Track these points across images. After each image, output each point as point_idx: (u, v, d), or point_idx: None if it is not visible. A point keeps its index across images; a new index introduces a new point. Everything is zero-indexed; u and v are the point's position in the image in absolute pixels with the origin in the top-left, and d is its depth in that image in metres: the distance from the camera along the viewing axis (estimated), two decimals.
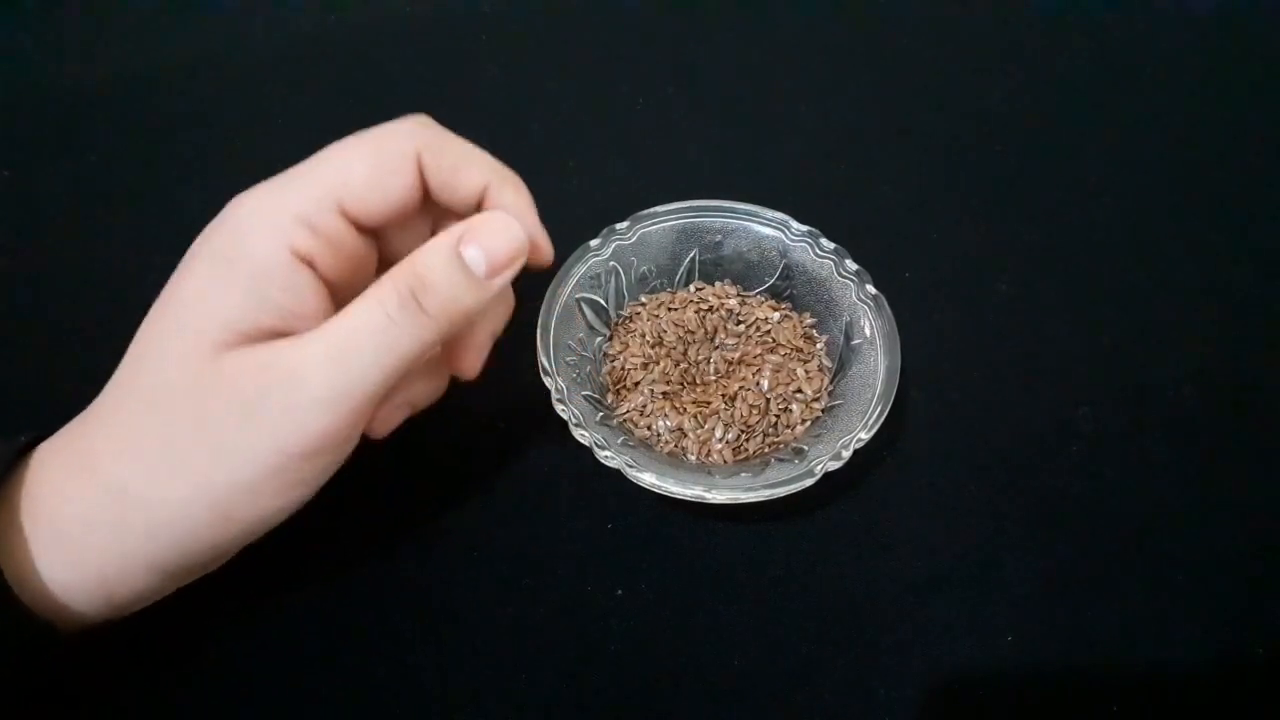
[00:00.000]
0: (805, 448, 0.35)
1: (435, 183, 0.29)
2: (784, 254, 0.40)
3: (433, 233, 0.31)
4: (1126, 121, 0.52)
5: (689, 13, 0.57)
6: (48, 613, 0.26)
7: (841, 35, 0.56)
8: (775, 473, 0.33)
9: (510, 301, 0.32)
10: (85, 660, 0.30)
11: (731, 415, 0.36)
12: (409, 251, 0.28)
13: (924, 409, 0.39)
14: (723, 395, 0.37)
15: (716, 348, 0.39)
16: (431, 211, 0.31)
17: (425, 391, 0.32)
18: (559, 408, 0.33)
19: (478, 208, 0.30)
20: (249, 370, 0.25)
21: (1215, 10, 0.58)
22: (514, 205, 0.30)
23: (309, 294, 0.27)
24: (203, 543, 0.26)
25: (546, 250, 0.31)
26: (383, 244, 0.31)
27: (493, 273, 0.28)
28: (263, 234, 0.26)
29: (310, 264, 0.27)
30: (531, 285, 0.42)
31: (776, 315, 0.39)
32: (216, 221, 0.27)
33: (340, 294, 0.28)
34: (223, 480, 0.25)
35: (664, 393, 0.37)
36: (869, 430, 0.33)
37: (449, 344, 0.31)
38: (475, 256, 0.27)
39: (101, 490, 0.26)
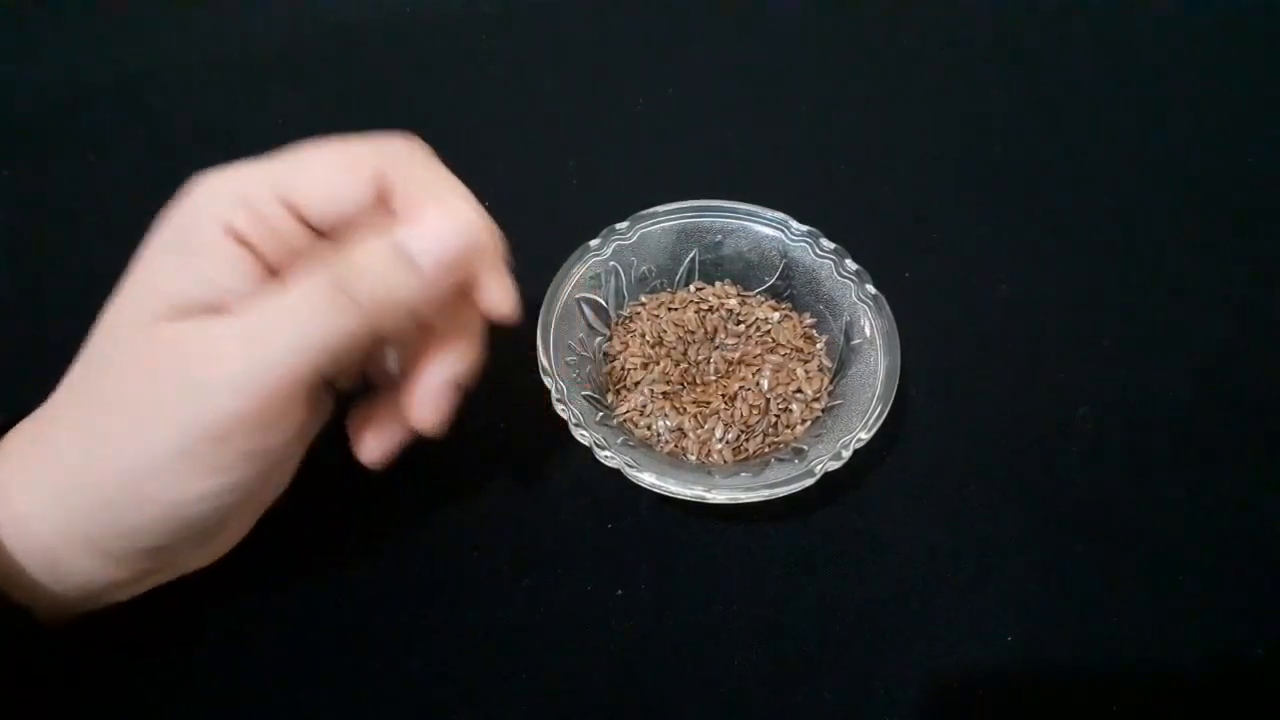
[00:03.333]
0: (805, 448, 0.35)
1: (399, 204, 0.27)
2: (784, 254, 0.40)
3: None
4: (1127, 121, 0.52)
5: (689, 13, 0.57)
6: (20, 595, 0.26)
7: (841, 35, 0.56)
8: (775, 473, 0.33)
9: (476, 349, 0.29)
10: (77, 655, 0.30)
11: (731, 415, 0.36)
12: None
13: (924, 409, 0.39)
14: (723, 395, 0.37)
15: (716, 348, 0.39)
16: (462, 314, 0.29)
17: (467, 360, 0.29)
18: (559, 408, 0.33)
19: None
20: (168, 342, 0.25)
21: (1216, 10, 0.58)
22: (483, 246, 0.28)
23: (241, 273, 0.25)
24: (129, 524, 0.26)
25: (505, 303, 0.29)
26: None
27: (438, 264, 0.26)
28: (204, 210, 0.26)
29: (247, 245, 0.26)
30: (531, 285, 0.42)
31: (776, 315, 0.39)
32: (174, 200, 0.27)
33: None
34: (134, 457, 0.25)
35: (664, 393, 0.37)
36: (869, 430, 0.33)
37: (402, 379, 0.29)
38: (420, 247, 0.26)
39: (48, 465, 0.26)
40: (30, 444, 0.27)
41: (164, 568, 0.29)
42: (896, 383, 0.35)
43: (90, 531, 0.26)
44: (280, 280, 0.26)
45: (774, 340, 0.39)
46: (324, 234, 0.27)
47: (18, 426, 0.28)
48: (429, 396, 0.28)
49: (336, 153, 0.27)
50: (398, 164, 0.27)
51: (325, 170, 0.27)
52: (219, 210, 0.25)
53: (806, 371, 0.38)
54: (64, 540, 0.26)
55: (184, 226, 0.26)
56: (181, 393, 0.24)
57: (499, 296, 0.29)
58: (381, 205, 0.27)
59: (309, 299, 0.25)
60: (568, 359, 0.36)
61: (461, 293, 0.28)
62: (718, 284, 0.41)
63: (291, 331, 0.24)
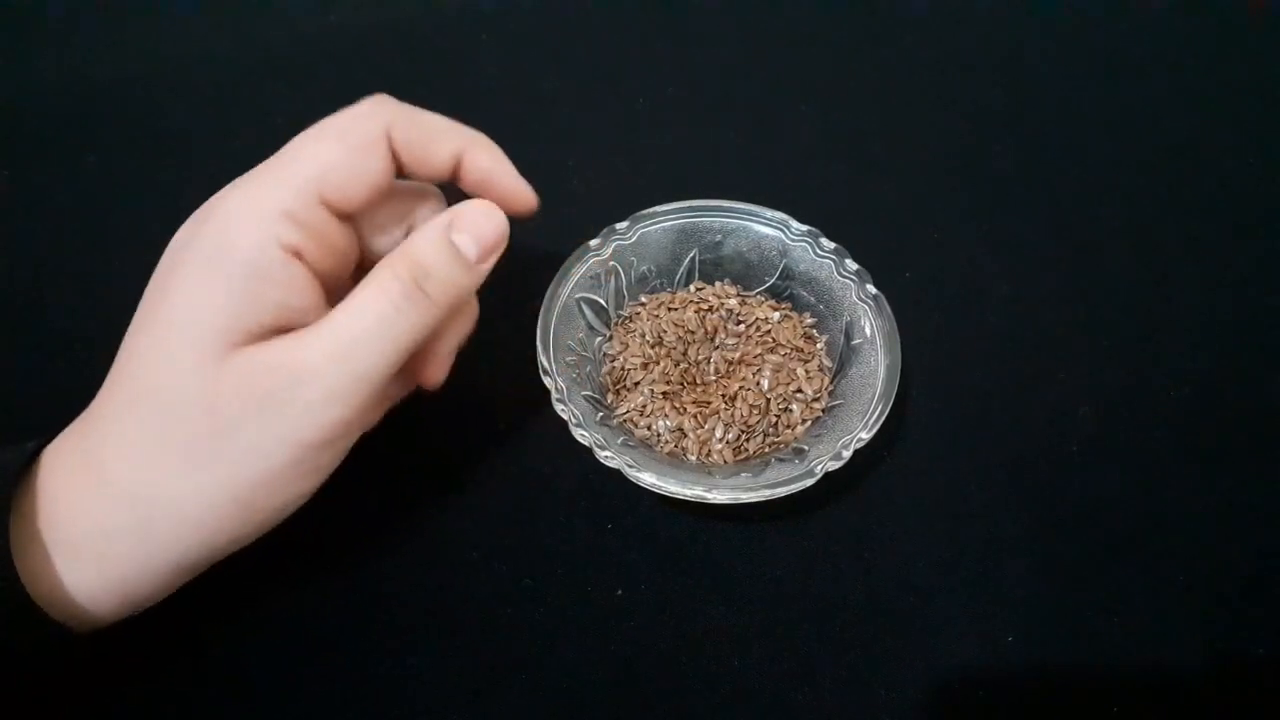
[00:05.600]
0: (805, 448, 0.35)
1: (408, 158, 0.29)
2: (784, 254, 0.40)
3: (405, 218, 0.31)
4: (1127, 122, 0.52)
5: (689, 12, 0.57)
6: (64, 616, 0.26)
7: (842, 35, 0.56)
8: (775, 473, 0.33)
9: (473, 315, 0.32)
10: (87, 659, 0.30)
11: (731, 415, 0.36)
12: (380, 237, 0.30)
13: (924, 409, 0.39)
14: (723, 395, 0.37)
15: (716, 348, 0.39)
16: (400, 194, 0.31)
17: (464, 329, 0.32)
18: (559, 408, 0.33)
19: (452, 174, 0.31)
20: (260, 370, 0.26)
21: (1216, 10, 0.58)
22: (491, 167, 0.31)
23: (303, 288, 0.27)
24: (227, 536, 0.27)
25: (529, 197, 0.32)
26: (358, 233, 0.31)
27: (482, 257, 0.29)
28: (250, 232, 0.26)
29: (299, 257, 0.27)
30: (532, 285, 0.42)
31: (776, 315, 0.39)
32: (196, 221, 0.27)
33: (327, 284, 0.28)
34: (246, 476, 0.26)
35: (664, 393, 0.37)
36: (869, 430, 0.33)
37: (414, 355, 0.31)
38: (465, 242, 0.28)
39: (118, 499, 0.26)
40: (90, 484, 0.26)
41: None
42: (896, 383, 0.35)
43: (179, 553, 0.27)
44: (323, 279, 0.28)
45: (774, 340, 0.39)
46: (350, 216, 0.29)
47: (55, 453, 0.27)
48: (441, 359, 0.31)
49: (342, 135, 0.28)
50: (394, 122, 0.28)
51: (345, 156, 0.27)
52: (270, 230, 0.26)
53: (806, 371, 0.38)
54: (141, 565, 0.27)
55: (232, 252, 0.26)
56: (288, 412, 0.26)
57: (525, 198, 0.32)
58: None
59: (391, 304, 0.27)
60: (568, 359, 0.36)
61: None
62: (718, 284, 0.41)
63: (379, 338, 0.26)
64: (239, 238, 0.26)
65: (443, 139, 0.30)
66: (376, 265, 0.27)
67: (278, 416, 0.26)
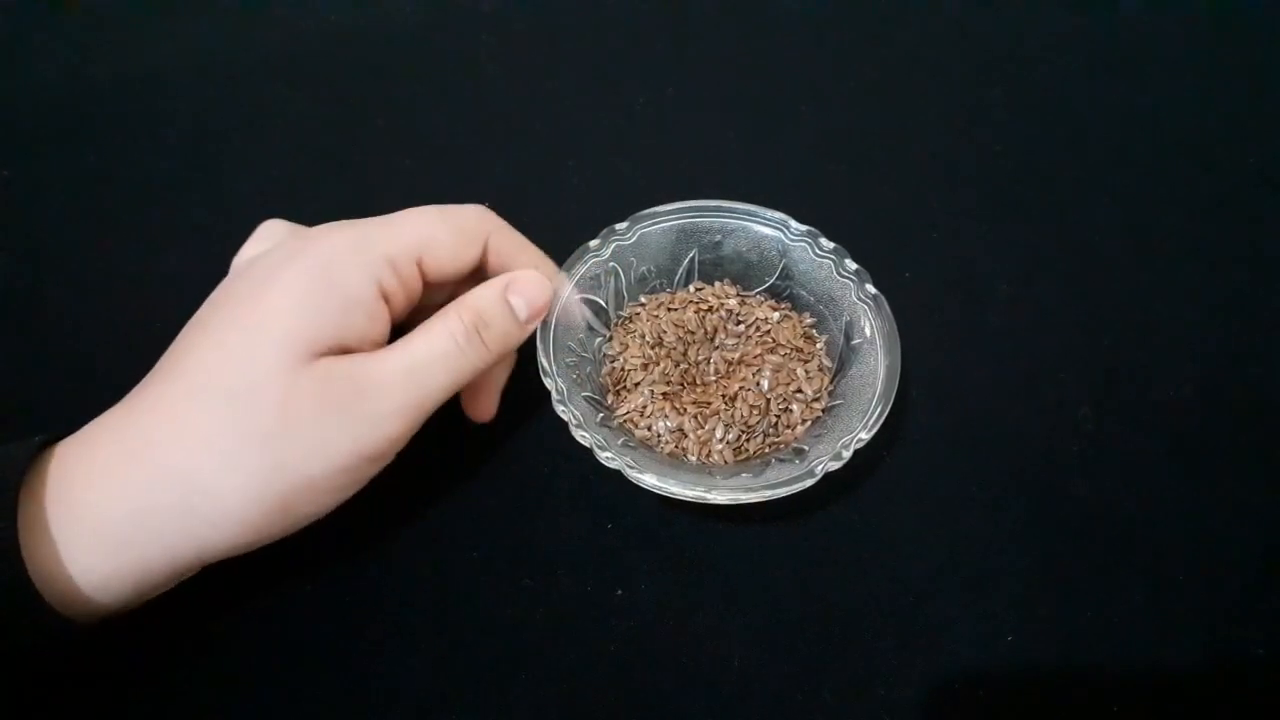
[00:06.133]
0: (805, 448, 0.35)
1: (494, 261, 0.34)
2: (783, 254, 0.40)
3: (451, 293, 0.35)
4: (1126, 121, 0.52)
5: (689, 12, 0.57)
6: (69, 607, 0.26)
7: (842, 35, 0.56)
8: (775, 473, 0.33)
9: (512, 362, 0.37)
10: (88, 656, 0.30)
11: (732, 415, 0.36)
12: (435, 295, 0.34)
13: (924, 409, 0.39)
14: (723, 395, 0.37)
15: (716, 348, 0.39)
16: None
17: (507, 371, 0.37)
18: (559, 409, 0.33)
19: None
20: (337, 377, 0.29)
21: (1216, 10, 0.58)
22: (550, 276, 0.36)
23: (382, 323, 0.31)
24: (255, 533, 0.29)
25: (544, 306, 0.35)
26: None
27: (531, 318, 0.33)
28: (358, 269, 0.30)
29: (387, 300, 0.31)
30: None
31: (776, 315, 0.39)
32: (298, 246, 0.30)
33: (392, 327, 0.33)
34: (298, 477, 0.28)
35: (664, 393, 0.37)
36: (869, 430, 0.33)
37: (470, 393, 0.36)
38: (519, 304, 0.33)
39: (166, 480, 0.27)
40: (131, 463, 0.27)
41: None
42: (896, 383, 0.35)
43: (208, 540, 0.28)
44: (396, 322, 0.32)
45: (774, 340, 0.39)
46: (430, 283, 0.33)
47: (87, 441, 0.28)
48: (490, 395, 0.36)
49: (455, 224, 0.33)
50: (495, 230, 0.34)
51: (453, 240, 0.33)
52: (375, 272, 0.30)
53: (806, 371, 0.38)
54: (168, 547, 0.28)
55: (337, 280, 0.30)
56: (356, 419, 0.29)
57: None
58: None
59: (455, 341, 0.31)
60: (568, 360, 0.36)
61: None
62: (717, 284, 0.41)
63: (443, 369, 0.31)
64: (346, 268, 0.30)
65: (525, 254, 0.35)
66: (444, 308, 0.32)
67: (346, 422, 0.28)
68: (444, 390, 0.31)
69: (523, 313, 0.33)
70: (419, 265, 0.32)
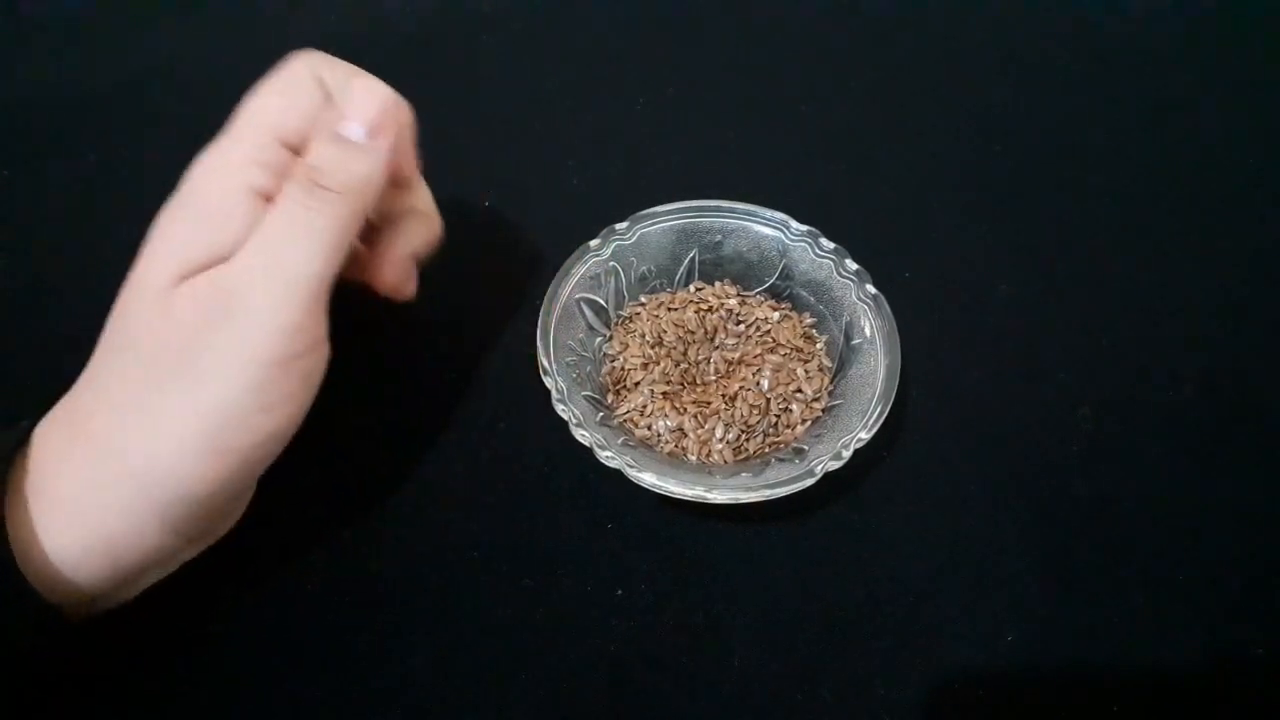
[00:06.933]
0: (805, 448, 0.35)
1: (340, 101, 0.31)
2: (784, 254, 0.40)
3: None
4: (1126, 122, 0.52)
5: (688, 12, 0.57)
6: (54, 590, 0.26)
7: (842, 35, 0.56)
8: (775, 473, 0.33)
9: (433, 224, 0.34)
10: (85, 651, 0.30)
11: (732, 415, 0.36)
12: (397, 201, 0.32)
13: (924, 409, 0.39)
14: (723, 395, 0.37)
15: (716, 348, 0.39)
16: (403, 198, 0.34)
17: (421, 236, 0.34)
18: (559, 408, 0.33)
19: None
20: (202, 293, 0.27)
21: (1216, 10, 0.58)
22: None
23: (255, 220, 0.28)
24: (205, 483, 0.27)
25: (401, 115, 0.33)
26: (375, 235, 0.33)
27: (374, 134, 0.30)
28: (218, 179, 0.28)
29: (267, 199, 0.28)
30: (532, 285, 0.42)
31: (776, 315, 0.39)
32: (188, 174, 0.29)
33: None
34: (208, 407, 0.26)
35: (664, 393, 0.37)
36: (869, 430, 0.33)
37: (375, 263, 0.33)
38: (353, 129, 0.30)
39: (97, 449, 0.27)
40: (76, 438, 0.27)
41: (205, 535, 0.30)
42: (896, 383, 0.35)
43: (160, 503, 0.27)
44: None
45: (774, 340, 0.39)
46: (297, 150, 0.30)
47: (48, 422, 0.28)
48: (395, 264, 0.33)
49: (281, 84, 0.30)
50: (320, 67, 0.31)
51: (294, 97, 0.30)
52: (246, 179, 0.28)
53: (806, 371, 0.38)
54: (126, 518, 0.27)
55: (194, 198, 0.28)
56: (236, 328, 0.26)
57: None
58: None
59: (296, 204, 0.28)
60: (568, 359, 0.36)
61: (394, 183, 0.32)
62: (717, 284, 0.41)
63: (298, 238, 0.27)
64: (203, 183, 0.28)
65: (356, 80, 0.31)
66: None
67: (227, 334, 0.26)
68: (315, 260, 0.28)
69: (358, 134, 0.30)
70: (283, 139, 0.29)
